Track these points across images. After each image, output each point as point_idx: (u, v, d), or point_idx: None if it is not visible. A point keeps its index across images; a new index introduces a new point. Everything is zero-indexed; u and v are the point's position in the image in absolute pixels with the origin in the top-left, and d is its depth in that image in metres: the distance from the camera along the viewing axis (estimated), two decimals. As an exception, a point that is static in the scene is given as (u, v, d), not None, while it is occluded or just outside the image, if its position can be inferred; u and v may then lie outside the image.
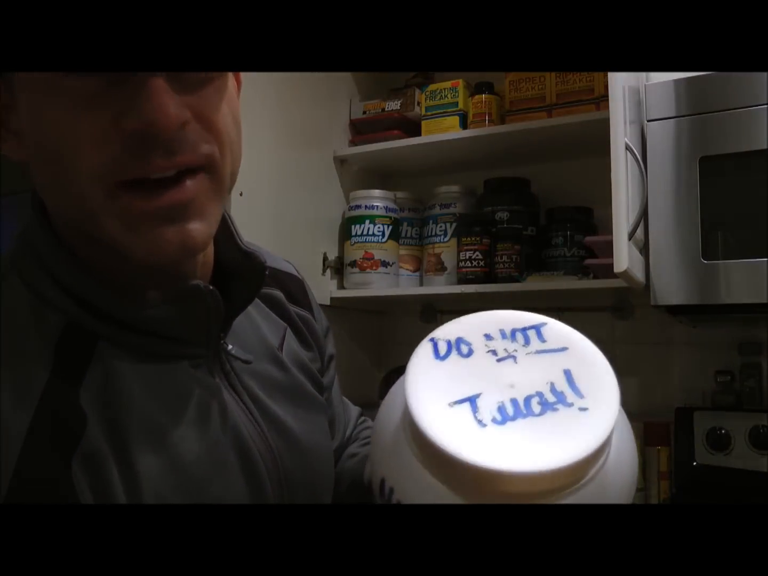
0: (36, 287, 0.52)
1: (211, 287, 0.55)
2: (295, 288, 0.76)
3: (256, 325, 0.67)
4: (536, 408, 0.40)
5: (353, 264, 1.77)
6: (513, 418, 0.39)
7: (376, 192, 1.80)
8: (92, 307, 0.52)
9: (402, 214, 1.83)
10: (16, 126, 0.51)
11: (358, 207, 1.78)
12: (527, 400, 0.41)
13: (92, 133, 0.47)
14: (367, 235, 1.76)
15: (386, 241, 1.77)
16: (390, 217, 1.78)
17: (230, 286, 0.57)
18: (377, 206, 1.77)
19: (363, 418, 0.92)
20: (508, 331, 0.46)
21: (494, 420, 0.39)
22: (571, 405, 0.41)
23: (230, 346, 0.59)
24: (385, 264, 1.76)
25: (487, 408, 0.40)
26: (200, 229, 0.51)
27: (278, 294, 0.72)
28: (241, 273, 0.60)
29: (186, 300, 0.54)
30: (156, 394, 0.53)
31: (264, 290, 0.68)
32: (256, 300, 0.67)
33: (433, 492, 0.40)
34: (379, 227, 1.76)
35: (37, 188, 0.53)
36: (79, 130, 0.47)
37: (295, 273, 0.79)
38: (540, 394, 0.41)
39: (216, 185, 0.52)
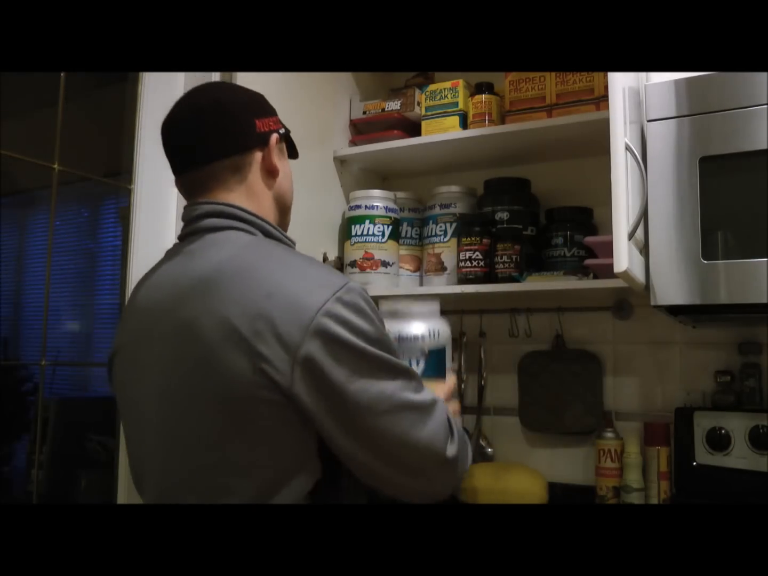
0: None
1: None
2: None
3: None
4: None
5: (353, 264, 1.77)
6: None
7: (376, 192, 1.80)
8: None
9: (402, 214, 1.83)
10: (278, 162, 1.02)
11: (358, 207, 1.79)
12: None
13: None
14: (367, 235, 1.76)
15: (386, 241, 1.77)
16: (390, 217, 1.78)
17: None
18: (377, 206, 1.77)
19: None
20: None
21: None
22: None
23: None
24: (385, 264, 1.76)
25: None
26: None
27: None
28: None
29: None
30: None
31: None
32: None
33: None
34: (379, 227, 1.76)
35: (282, 190, 1.04)
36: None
37: None
38: None
39: None
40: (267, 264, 0.88)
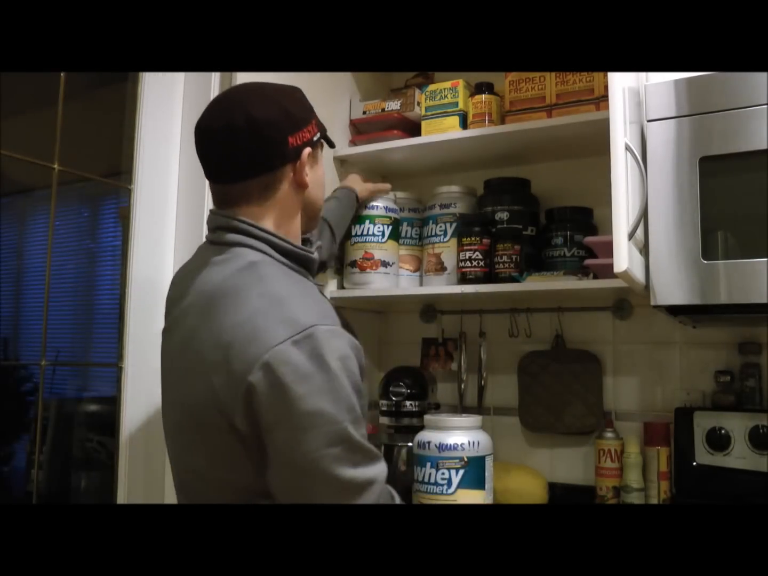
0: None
1: None
2: None
3: None
4: None
5: (353, 264, 1.77)
6: None
7: (376, 192, 1.80)
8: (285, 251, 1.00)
9: (402, 214, 1.83)
10: (309, 173, 1.02)
11: (358, 207, 1.79)
12: None
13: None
14: (367, 235, 1.76)
15: (386, 241, 1.76)
16: (390, 217, 1.78)
17: None
18: (377, 206, 1.77)
19: None
20: None
21: None
22: None
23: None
24: (385, 264, 1.76)
25: None
26: None
27: None
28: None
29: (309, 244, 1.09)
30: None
31: None
32: None
33: None
34: (379, 227, 1.76)
35: (311, 199, 1.05)
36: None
37: None
38: None
39: None
40: (248, 292, 0.89)
